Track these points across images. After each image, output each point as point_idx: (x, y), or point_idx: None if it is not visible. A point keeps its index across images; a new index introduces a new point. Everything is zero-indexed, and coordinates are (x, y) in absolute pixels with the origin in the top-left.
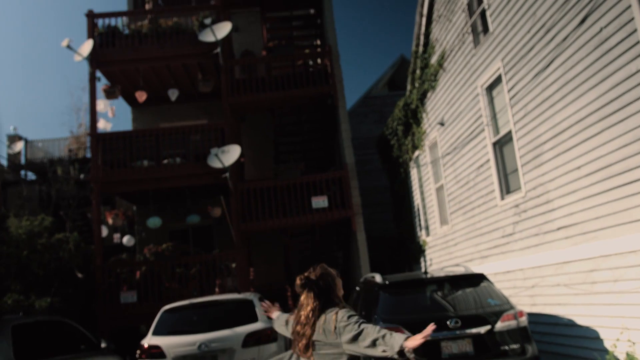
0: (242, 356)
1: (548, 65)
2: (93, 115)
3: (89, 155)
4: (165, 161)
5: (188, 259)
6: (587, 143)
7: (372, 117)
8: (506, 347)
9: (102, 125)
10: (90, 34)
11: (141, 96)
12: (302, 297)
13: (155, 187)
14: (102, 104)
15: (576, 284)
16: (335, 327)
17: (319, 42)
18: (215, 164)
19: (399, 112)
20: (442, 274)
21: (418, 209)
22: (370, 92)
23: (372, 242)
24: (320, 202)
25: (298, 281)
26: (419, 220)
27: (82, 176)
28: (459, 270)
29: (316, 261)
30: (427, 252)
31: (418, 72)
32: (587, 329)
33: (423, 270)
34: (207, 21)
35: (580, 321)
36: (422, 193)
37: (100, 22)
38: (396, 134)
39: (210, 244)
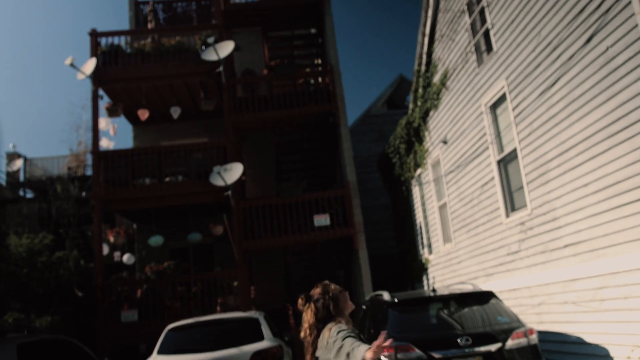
0: None
1: (554, 84)
2: (95, 132)
3: (88, 173)
4: (167, 179)
5: (189, 277)
6: (594, 161)
7: (371, 136)
8: None
9: (105, 144)
10: (93, 53)
11: (143, 114)
12: (303, 315)
13: (157, 205)
14: (104, 122)
15: (585, 301)
16: (327, 343)
17: (320, 60)
18: (217, 182)
19: (402, 130)
20: (450, 291)
21: (420, 227)
22: (369, 111)
23: (373, 261)
24: (322, 220)
25: (300, 300)
26: (421, 238)
27: (83, 194)
28: (467, 288)
29: (317, 280)
30: (430, 270)
31: (420, 90)
32: (596, 346)
33: (426, 288)
34: (210, 40)
35: (589, 339)
36: (424, 211)
37: (103, 40)
38: (398, 152)
39: (210, 262)
